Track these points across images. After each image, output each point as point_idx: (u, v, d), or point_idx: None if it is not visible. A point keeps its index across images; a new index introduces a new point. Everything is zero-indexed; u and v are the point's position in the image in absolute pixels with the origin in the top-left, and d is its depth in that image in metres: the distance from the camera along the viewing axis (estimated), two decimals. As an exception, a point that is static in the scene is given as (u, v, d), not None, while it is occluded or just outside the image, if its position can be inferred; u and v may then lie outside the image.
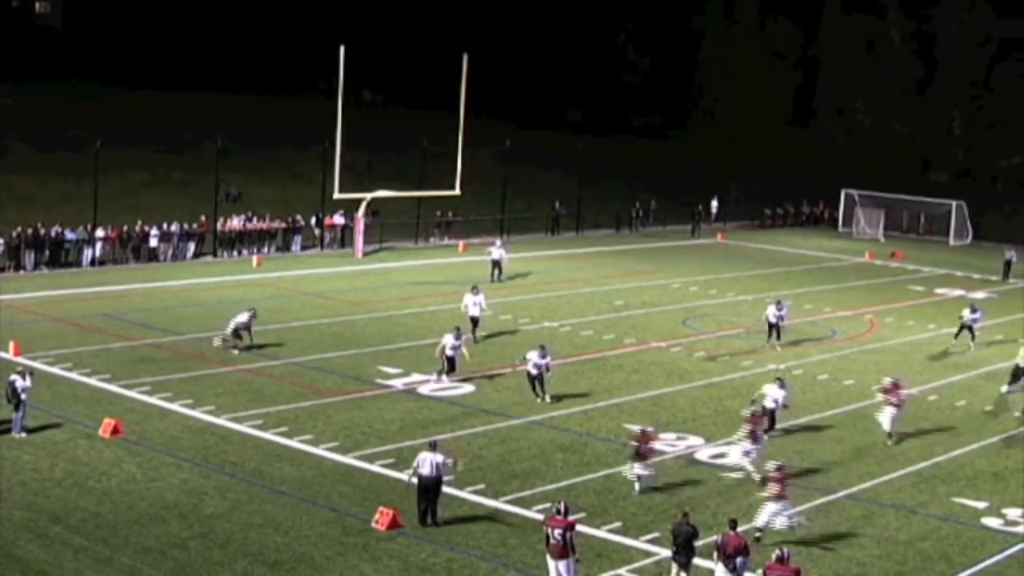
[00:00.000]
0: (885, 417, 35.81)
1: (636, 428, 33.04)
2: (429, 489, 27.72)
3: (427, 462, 27.69)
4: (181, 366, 40.48)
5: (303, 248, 68.00)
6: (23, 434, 32.15)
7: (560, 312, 52.81)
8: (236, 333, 42.84)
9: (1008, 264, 70.10)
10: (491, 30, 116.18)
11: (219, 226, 64.68)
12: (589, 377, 41.99)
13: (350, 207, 68.62)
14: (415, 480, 27.80)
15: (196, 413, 35.25)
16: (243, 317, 42.95)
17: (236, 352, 42.26)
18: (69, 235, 58.97)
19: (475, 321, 46.24)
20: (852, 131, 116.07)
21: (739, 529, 24.45)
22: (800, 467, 33.25)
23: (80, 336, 44.05)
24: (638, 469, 30.99)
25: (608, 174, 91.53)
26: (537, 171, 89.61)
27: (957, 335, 49.49)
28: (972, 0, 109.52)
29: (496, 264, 60.19)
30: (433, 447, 28.13)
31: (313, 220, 69.16)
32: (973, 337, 49.20)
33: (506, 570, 25.56)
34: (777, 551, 23.01)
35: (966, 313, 49.79)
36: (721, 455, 33.91)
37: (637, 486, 30.82)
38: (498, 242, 61.74)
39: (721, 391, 41.11)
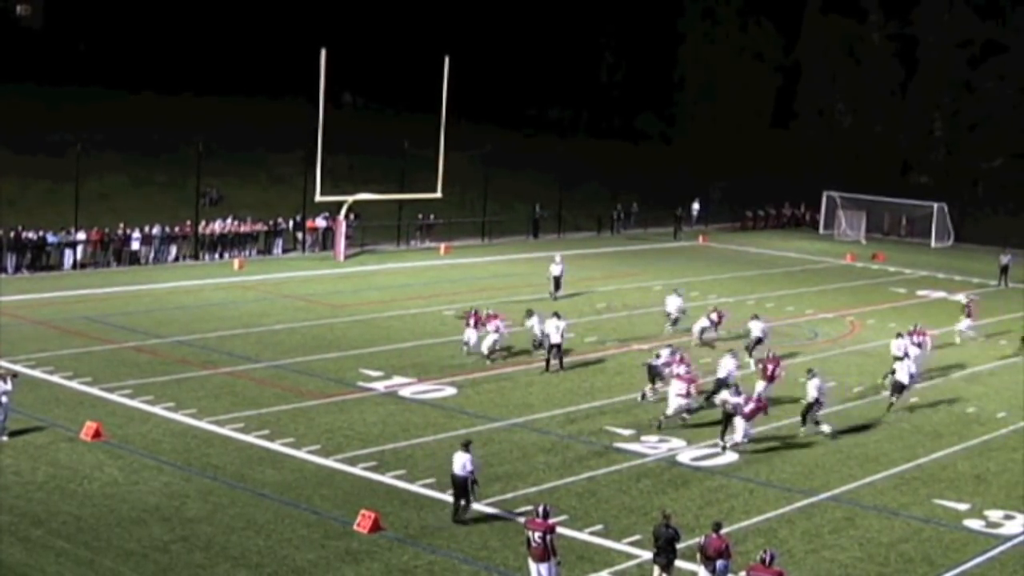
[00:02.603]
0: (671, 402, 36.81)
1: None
2: (459, 487, 28.13)
3: (458, 461, 28.08)
4: (163, 369, 40.40)
5: (284, 251, 67.90)
6: (4, 437, 32.03)
7: (542, 314, 52.80)
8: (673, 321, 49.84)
9: (1005, 268, 69.47)
10: (472, 33, 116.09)
11: (200, 229, 64.54)
12: (571, 379, 42.00)
13: (332, 210, 68.58)
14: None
15: (178, 416, 35.18)
16: (679, 301, 50.13)
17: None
18: (50, 238, 58.85)
19: (556, 347, 43.32)
20: (833, 133, 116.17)
21: (722, 531, 24.45)
22: (782, 469, 33.37)
23: (61, 339, 43.93)
24: (469, 335, 44.13)
25: (589, 176, 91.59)
26: (518, 174, 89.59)
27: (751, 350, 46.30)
28: (952, 2, 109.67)
29: (556, 280, 57.56)
30: (466, 447, 28.39)
31: (291, 223, 68.96)
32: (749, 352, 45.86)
33: (488, 573, 25.55)
34: (761, 553, 23.04)
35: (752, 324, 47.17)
36: (704, 457, 34.00)
37: (465, 349, 43.98)
38: (558, 257, 59.38)
39: (703, 393, 41.09)
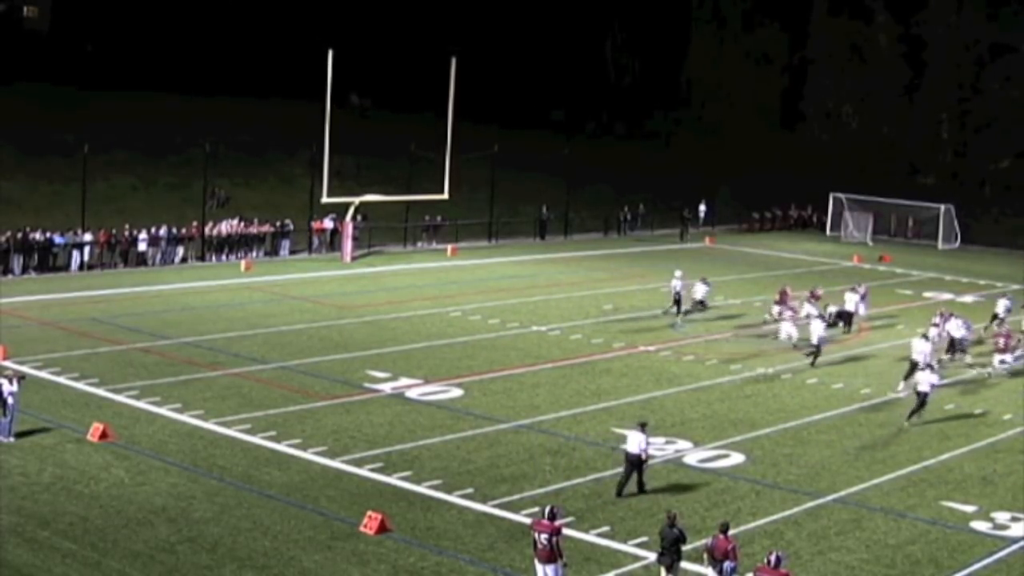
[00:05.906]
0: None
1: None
2: (632, 464, 30.24)
3: (633, 440, 30.28)
4: (169, 370, 40.42)
5: (292, 252, 67.90)
6: (11, 438, 32.07)
7: (549, 316, 52.79)
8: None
9: None
10: (478, 34, 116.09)
11: (208, 230, 64.58)
12: (578, 381, 42.00)
13: (339, 211, 68.60)
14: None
15: (184, 417, 35.20)
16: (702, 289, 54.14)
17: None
18: (57, 239, 58.85)
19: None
20: (840, 135, 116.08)
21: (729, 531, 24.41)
22: (788, 471, 33.35)
23: (68, 340, 43.97)
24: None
25: (596, 178, 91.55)
26: (525, 175, 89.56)
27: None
28: (960, 3, 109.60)
29: (677, 300, 53.71)
30: (643, 427, 30.51)
31: (290, 224, 68.96)
32: None
33: (494, 574, 25.55)
34: (768, 554, 23.00)
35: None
36: (712, 458, 34.00)
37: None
38: (679, 272, 55.11)
39: (710, 394, 41.13)
